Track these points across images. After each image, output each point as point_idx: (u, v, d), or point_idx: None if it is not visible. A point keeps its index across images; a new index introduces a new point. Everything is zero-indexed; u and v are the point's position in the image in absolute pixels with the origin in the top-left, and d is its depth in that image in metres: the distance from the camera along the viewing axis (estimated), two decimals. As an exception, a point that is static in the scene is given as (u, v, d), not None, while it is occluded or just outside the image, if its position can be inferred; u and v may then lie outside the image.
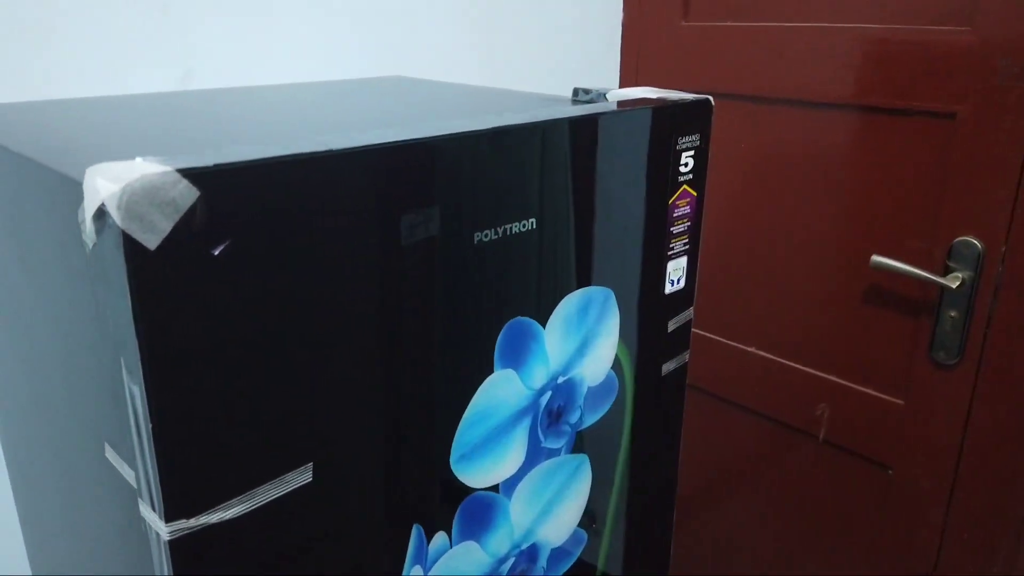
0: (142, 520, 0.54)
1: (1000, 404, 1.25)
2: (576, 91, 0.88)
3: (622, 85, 1.67)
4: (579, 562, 0.88)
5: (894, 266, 1.29)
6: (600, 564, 0.91)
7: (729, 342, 1.61)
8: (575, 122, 0.70)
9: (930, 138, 1.26)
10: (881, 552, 1.46)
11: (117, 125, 0.75)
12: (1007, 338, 1.22)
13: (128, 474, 0.55)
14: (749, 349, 1.58)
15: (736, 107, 1.49)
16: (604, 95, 0.85)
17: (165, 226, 0.45)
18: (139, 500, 0.54)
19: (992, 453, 1.27)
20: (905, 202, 1.30)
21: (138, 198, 0.44)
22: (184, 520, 0.52)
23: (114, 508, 0.62)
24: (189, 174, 0.46)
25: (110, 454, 0.59)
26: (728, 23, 1.47)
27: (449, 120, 0.65)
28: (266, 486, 0.56)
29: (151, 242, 0.45)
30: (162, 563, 0.53)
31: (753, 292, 1.55)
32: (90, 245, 0.49)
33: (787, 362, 1.52)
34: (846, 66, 1.32)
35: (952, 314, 1.26)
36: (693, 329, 1.65)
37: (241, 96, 0.94)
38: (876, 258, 1.31)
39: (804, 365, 1.50)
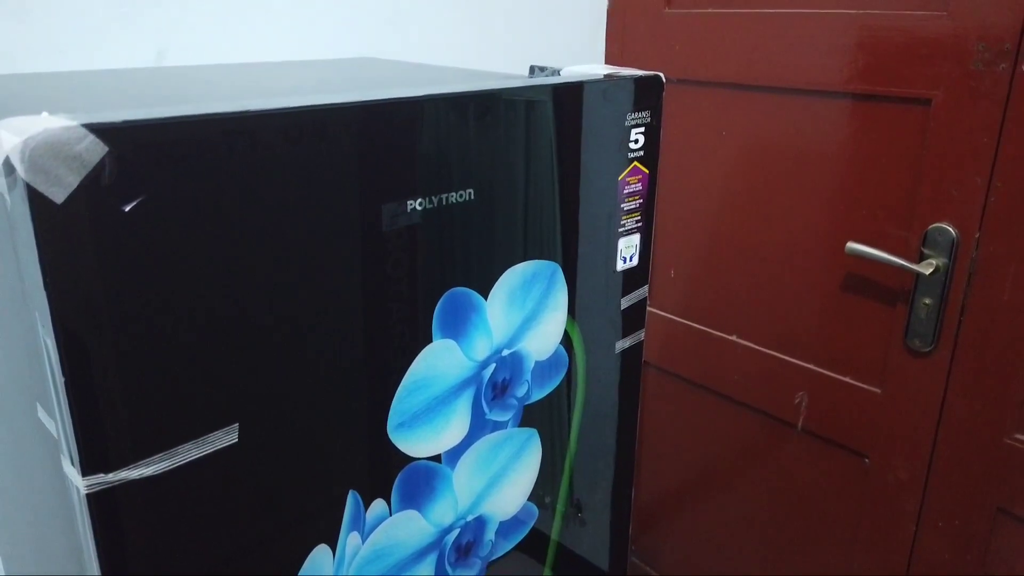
0: (64, 476, 0.55)
1: (974, 391, 1.24)
2: (532, 68, 0.88)
3: (607, 73, 1.67)
4: (533, 536, 0.88)
5: (869, 252, 1.29)
6: (553, 539, 0.91)
7: (710, 330, 1.61)
8: (517, 94, 0.70)
9: (906, 124, 1.25)
10: (857, 540, 1.46)
11: (68, 94, 0.76)
12: (980, 325, 1.21)
13: (54, 431, 0.56)
14: (730, 337, 1.58)
15: (717, 94, 1.49)
16: (558, 72, 0.85)
17: (72, 180, 0.46)
18: (61, 455, 0.55)
19: (966, 442, 1.26)
20: (881, 189, 1.30)
21: (42, 151, 0.45)
22: (102, 474, 0.53)
23: (51, 471, 0.63)
24: (96, 129, 0.46)
25: (41, 413, 0.60)
26: (709, 10, 1.46)
27: (389, 88, 0.66)
28: (188, 445, 0.56)
29: (57, 196, 0.46)
30: (83, 518, 0.54)
31: (732, 279, 1.55)
32: (8, 200, 0.50)
33: (766, 350, 1.52)
34: (825, 52, 1.31)
35: (926, 301, 1.26)
36: (674, 316, 1.67)
37: (202, 73, 0.95)
38: (851, 244, 1.30)
39: (783, 353, 1.49)
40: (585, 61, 1.66)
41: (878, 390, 1.36)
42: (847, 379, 1.41)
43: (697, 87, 1.51)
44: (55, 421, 0.54)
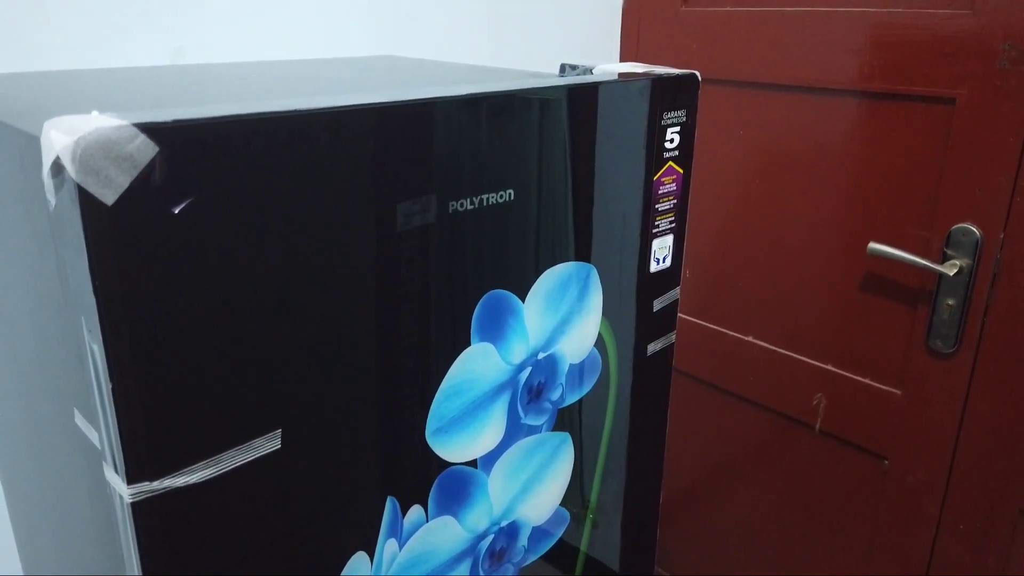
0: (107, 484, 0.54)
1: (997, 394, 1.23)
2: (563, 67, 0.87)
3: (621, 72, 1.66)
4: (562, 542, 0.87)
5: (891, 253, 1.28)
6: (583, 545, 0.90)
7: (727, 331, 1.60)
8: (554, 93, 0.69)
9: (930, 123, 1.24)
10: (876, 543, 1.45)
11: (99, 92, 0.75)
12: (1005, 326, 1.20)
13: (95, 439, 0.55)
14: (747, 338, 1.57)
15: (736, 93, 1.48)
16: (591, 70, 0.84)
17: (122, 181, 0.45)
18: (103, 463, 0.53)
19: (989, 443, 1.26)
20: (904, 189, 1.29)
21: (93, 151, 0.43)
22: (147, 483, 0.51)
23: (86, 477, 0.61)
24: (147, 129, 0.45)
25: (79, 419, 0.58)
26: (727, 8, 1.45)
27: (425, 88, 0.65)
28: (232, 451, 0.55)
29: (108, 197, 0.45)
30: (126, 527, 0.53)
31: (751, 280, 1.54)
32: (52, 203, 0.48)
33: (784, 351, 1.51)
34: (846, 51, 1.30)
35: (949, 302, 1.25)
36: (690, 318, 1.66)
37: (223, 71, 0.94)
38: (873, 245, 1.29)
39: (801, 354, 1.48)
40: (600, 59, 1.64)
41: (898, 392, 1.35)
42: (867, 380, 1.40)
43: (715, 86, 1.50)
44: (98, 428, 0.52)
